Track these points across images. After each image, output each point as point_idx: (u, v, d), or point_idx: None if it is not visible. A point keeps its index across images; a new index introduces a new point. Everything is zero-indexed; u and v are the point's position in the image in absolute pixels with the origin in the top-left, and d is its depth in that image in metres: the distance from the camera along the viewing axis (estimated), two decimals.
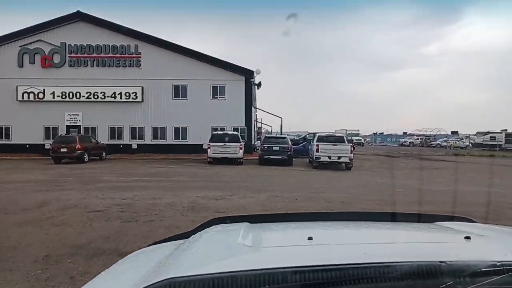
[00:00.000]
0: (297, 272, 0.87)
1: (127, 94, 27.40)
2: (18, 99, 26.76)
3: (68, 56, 27.15)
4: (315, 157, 19.02)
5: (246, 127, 27.52)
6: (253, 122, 28.73)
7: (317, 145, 18.97)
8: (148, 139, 27.63)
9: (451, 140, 55.05)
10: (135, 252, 1.63)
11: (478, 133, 58.77)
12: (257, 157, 24.65)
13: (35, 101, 26.88)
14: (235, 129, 25.69)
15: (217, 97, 27.85)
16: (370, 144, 72.06)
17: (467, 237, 1.21)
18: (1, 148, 26.13)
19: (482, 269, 0.87)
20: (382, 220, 1.70)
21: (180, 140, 27.80)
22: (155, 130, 27.75)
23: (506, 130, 49.51)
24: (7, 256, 5.01)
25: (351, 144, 20.11)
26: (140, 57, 27.59)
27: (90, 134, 25.66)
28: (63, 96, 26.93)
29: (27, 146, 26.32)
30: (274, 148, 20.38)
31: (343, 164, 19.31)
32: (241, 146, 20.39)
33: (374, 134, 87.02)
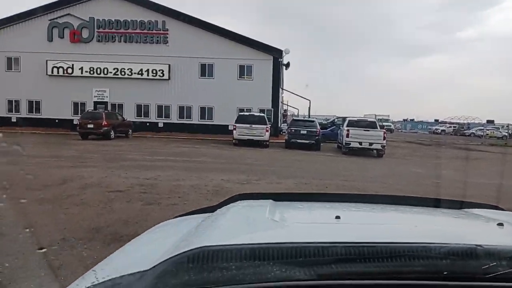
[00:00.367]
0: (328, 247, 0.84)
1: (154, 71, 27.14)
2: (48, 74, 27.00)
3: (97, 31, 27.04)
4: (345, 143, 18.21)
5: (272, 109, 26.83)
6: (280, 104, 27.94)
7: (348, 130, 18.11)
8: (174, 118, 27.44)
9: (487, 129, 52.34)
10: (162, 223, 1.61)
11: None
12: (283, 141, 24.08)
13: (64, 76, 27.06)
14: (262, 111, 25.07)
15: (244, 77, 27.20)
16: (400, 130, 69.95)
17: (500, 224, 1.19)
18: (32, 122, 26.58)
19: None
20: (407, 204, 1.65)
21: (206, 120, 27.47)
22: (181, 109, 27.49)
23: None
24: (21, 237, 4.69)
25: (384, 130, 19.14)
26: (167, 33, 27.15)
27: (117, 111, 25.67)
28: (91, 72, 26.97)
29: (57, 121, 26.67)
30: (302, 132, 19.67)
31: (375, 151, 18.43)
32: (267, 129, 19.79)
33: (404, 120, 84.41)
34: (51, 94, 26.95)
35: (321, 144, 20.44)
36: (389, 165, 15.16)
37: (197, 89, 27.30)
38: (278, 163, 13.59)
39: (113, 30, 27.04)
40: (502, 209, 1.64)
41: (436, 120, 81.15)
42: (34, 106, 27.43)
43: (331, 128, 28.13)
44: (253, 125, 19.56)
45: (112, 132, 20.99)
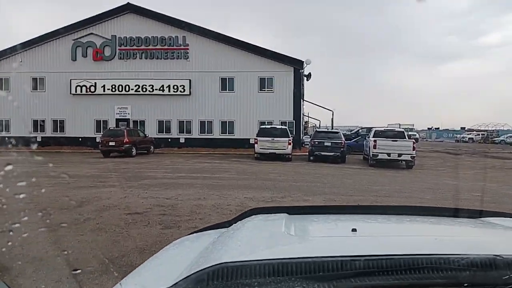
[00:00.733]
0: (347, 261, 0.84)
1: (175, 87, 27.15)
2: (72, 93, 27.43)
3: (118, 49, 27.37)
4: (372, 154, 17.41)
5: (294, 121, 26.27)
6: (301, 115, 27.37)
7: (375, 141, 17.33)
8: (195, 133, 27.26)
9: None
10: (179, 240, 1.61)
11: None
12: (306, 153, 23.45)
13: (87, 94, 27.42)
14: (283, 123, 24.57)
15: (264, 90, 26.83)
16: (425, 139, 67.95)
17: None
18: (56, 140, 26.94)
19: None
20: (424, 214, 1.63)
21: (227, 134, 27.16)
22: (202, 124, 27.31)
23: None
24: (29, 270, 4.29)
25: (413, 140, 18.25)
26: (188, 49, 27.19)
27: (138, 128, 25.73)
28: (113, 89, 27.22)
29: (80, 139, 26.95)
30: (326, 144, 19.00)
31: (404, 162, 17.55)
32: (290, 141, 19.23)
33: (429, 129, 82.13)
34: (75, 112, 27.31)
35: (346, 156, 19.69)
36: (421, 177, 14.28)
37: (218, 103, 27.11)
38: (303, 177, 12.97)
39: (134, 47, 27.32)
40: None
41: (463, 128, 78.66)
42: (59, 125, 27.84)
43: (355, 139, 27.30)
44: (275, 138, 19.06)
45: (133, 149, 20.90)
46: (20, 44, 27.87)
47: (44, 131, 27.78)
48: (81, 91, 27.40)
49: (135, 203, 8.09)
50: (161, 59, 27.30)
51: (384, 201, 8.94)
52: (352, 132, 33.47)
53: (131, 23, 27.45)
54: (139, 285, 1.08)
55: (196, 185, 10.69)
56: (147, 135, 23.94)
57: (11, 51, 27.81)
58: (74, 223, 6.40)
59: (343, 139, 19.68)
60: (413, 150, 17.18)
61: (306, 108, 36.26)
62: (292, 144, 19.66)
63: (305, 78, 27.16)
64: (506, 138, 53.83)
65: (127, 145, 20.40)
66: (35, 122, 27.83)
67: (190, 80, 27.11)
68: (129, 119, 27.39)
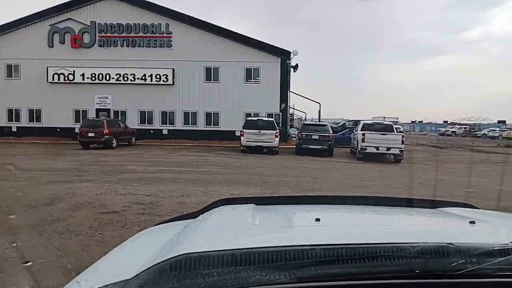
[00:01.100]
0: (311, 249, 0.87)
1: (158, 76, 26.20)
2: (49, 81, 26.15)
3: (98, 36, 26.19)
4: (361, 148, 17.07)
5: (281, 113, 25.75)
6: (288, 107, 26.87)
7: (363, 134, 16.98)
8: (179, 125, 26.45)
9: (503, 130, 50.72)
10: (144, 231, 1.56)
11: None
12: (293, 146, 23.01)
13: (65, 83, 26.21)
14: (269, 115, 24.05)
15: (250, 81, 26.17)
16: (408, 132, 68.53)
17: (472, 222, 1.23)
18: (32, 131, 25.77)
19: (488, 250, 0.89)
20: (386, 204, 1.69)
21: (212, 126, 26.46)
22: (186, 115, 26.52)
23: None
24: None
25: (402, 134, 17.98)
26: (171, 37, 26.23)
27: (119, 118, 24.77)
28: (93, 78, 26.09)
29: (58, 129, 25.80)
30: (314, 137, 18.56)
31: (392, 156, 17.29)
32: (277, 134, 18.72)
33: (413, 122, 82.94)
34: (52, 102, 26.08)
35: (333, 149, 19.32)
36: (411, 172, 14.00)
37: (202, 94, 26.33)
38: (291, 172, 12.49)
39: (115, 34, 26.19)
40: (476, 207, 1.67)
41: (445, 122, 79.77)
42: (35, 114, 26.57)
43: (342, 132, 26.99)
44: (262, 131, 18.51)
45: (114, 141, 20.06)
46: None
47: (19, 121, 26.52)
48: (59, 80, 26.15)
49: (112, 200, 7.45)
50: (143, 47, 26.27)
51: None
52: (338, 124, 33.18)
53: (112, 9, 26.26)
54: (97, 278, 1.03)
55: (179, 180, 10.08)
56: (128, 126, 23.05)
57: None
58: (41, 224, 5.74)
59: (331, 132, 19.28)
60: (402, 144, 16.92)
61: (292, 100, 35.79)
62: (279, 137, 19.16)
63: (292, 69, 26.58)
64: (488, 132, 54.60)
65: (107, 137, 19.53)
66: (10, 111, 26.51)
67: (173, 69, 26.20)
68: (109, 109, 26.34)
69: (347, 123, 30.72)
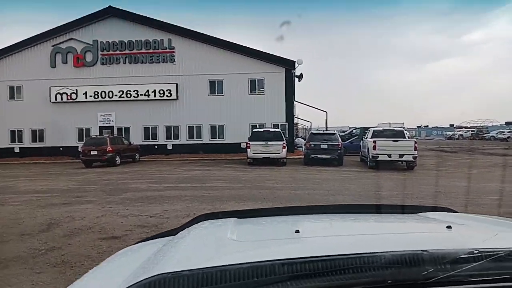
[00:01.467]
0: (284, 264, 0.86)
1: (161, 92, 25.89)
2: (52, 101, 25.96)
3: (100, 54, 26.02)
4: (372, 156, 16.44)
5: (287, 123, 25.23)
6: (294, 117, 26.36)
7: (374, 142, 16.37)
8: (183, 139, 26.02)
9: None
10: (123, 250, 1.54)
11: None
12: (300, 156, 22.45)
13: (68, 102, 25.99)
14: (275, 126, 23.56)
15: (255, 92, 25.76)
16: (415, 138, 67.63)
17: (449, 227, 1.22)
18: (36, 151, 25.51)
19: (461, 256, 0.88)
20: (367, 212, 1.69)
21: (217, 139, 25.99)
22: (190, 129, 26.09)
23: None
24: None
25: (415, 140, 17.35)
26: (173, 52, 25.99)
27: (123, 135, 24.43)
28: (96, 96, 25.84)
29: (61, 148, 25.49)
30: (322, 146, 17.99)
31: (404, 163, 16.64)
32: (284, 145, 18.18)
33: (418, 127, 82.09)
34: (55, 121, 25.80)
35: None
36: (427, 179, 13.33)
37: (207, 107, 25.93)
38: (303, 184, 11.89)
39: (117, 52, 26.01)
40: (455, 211, 1.66)
41: (451, 125, 78.92)
42: (38, 134, 26.30)
43: (349, 139, 26.38)
44: (269, 142, 17.99)
45: (117, 158, 19.64)
46: None
47: (22, 142, 26.24)
48: (62, 99, 25.94)
49: (112, 224, 6.91)
50: (145, 63, 26.04)
51: None
52: (345, 132, 32.54)
53: (113, 27, 26.14)
54: None
55: (185, 198, 9.53)
56: (132, 143, 22.64)
57: None
58: (33, 255, 5.20)
59: (340, 141, 18.69)
60: (415, 150, 16.27)
61: (296, 109, 35.34)
62: (287, 147, 18.60)
63: (296, 79, 26.15)
64: (497, 134, 53.62)
65: (110, 154, 19.11)
66: (12, 133, 26.26)
67: (177, 84, 25.90)
68: (113, 126, 26.01)
69: (354, 130, 30.13)
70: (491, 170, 15.79)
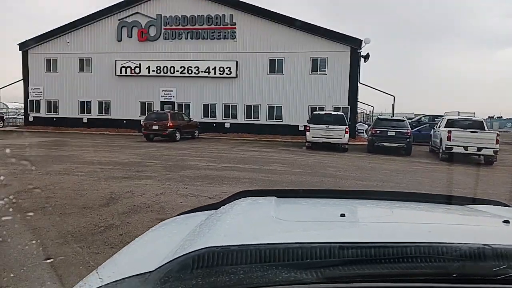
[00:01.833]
0: (335, 248, 0.83)
1: (221, 69, 25.67)
2: (117, 74, 26.82)
3: (164, 29, 26.24)
4: (445, 147, 14.93)
5: (349, 107, 23.92)
6: (357, 101, 24.93)
7: (449, 132, 14.82)
8: (241, 118, 25.74)
9: None
10: (165, 221, 1.55)
11: None
12: (361, 143, 21.25)
13: (131, 76, 26.71)
14: (336, 109, 22.40)
15: (316, 72, 24.61)
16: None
17: (506, 221, 1.14)
18: (102, 122, 26.69)
19: None
20: (412, 200, 1.60)
21: (274, 120, 25.39)
22: (248, 108, 25.72)
23: None
24: None
25: (497, 132, 15.49)
26: (235, 28, 25.50)
27: (183, 111, 24.67)
28: (158, 71, 26.25)
29: (125, 121, 26.41)
30: (389, 133, 16.70)
31: (482, 157, 14.95)
32: (347, 130, 17.14)
33: (490, 117, 75.28)
34: (120, 94, 26.77)
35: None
36: None
37: (266, 86, 25.34)
38: (369, 175, 10.98)
39: (180, 27, 26.07)
40: (507, 205, 1.57)
41: None
42: (104, 106, 27.46)
43: (417, 128, 24.49)
44: (330, 126, 17.04)
45: (177, 134, 19.80)
46: (68, 24, 27.53)
47: (90, 113, 27.58)
48: (126, 73, 26.71)
49: (172, 203, 6.64)
50: (207, 39, 25.86)
51: None
52: (412, 120, 30.35)
53: (177, 1, 26.10)
54: (118, 270, 1.00)
55: (244, 180, 9.11)
56: (191, 119, 22.78)
57: (59, 31, 27.63)
58: (92, 232, 5.02)
59: (410, 129, 17.24)
60: (497, 143, 14.50)
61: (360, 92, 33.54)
62: (349, 132, 17.56)
63: (362, 59, 24.55)
64: None
65: (171, 130, 19.31)
66: (82, 104, 27.66)
67: (236, 62, 25.50)
68: (174, 102, 26.39)
69: (423, 118, 27.95)
70: None
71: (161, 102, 26.40)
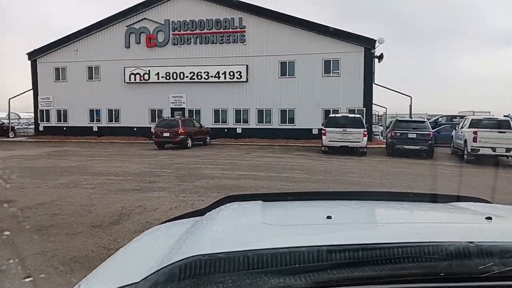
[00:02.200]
0: (322, 251, 0.83)
1: (231, 74, 25.17)
2: (126, 81, 26.51)
3: (172, 34, 25.88)
4: (471, 149, 14.13)
5: (364, 109, 23.19)
6: (372, 102, 24.16)
7: (475, 133, 14.03)
8: (253, 123, 25.18)
9: None
10: (150, 230, 1.50)
11: None
12: (379, 146, 20.55)
13: (141, 83, 26.38)
14: (351, 111, 21.68)
15: (329, 74, 23.97)
16: None
17: (488, 218, 1.17)
18: (112, 131, 26.37)
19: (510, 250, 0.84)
20: (397, 199, 1.62)
21: (287, 124, 24.78)
22: (260, 112, 25.15)
23: None
24: None
25: None
26: (244, 31, 25.02)
27: (194, 117, 24.21)
28: (167, 77, 25.86)
29: (135, 129, 26.04)
30: (410, 135, 15.95)
31: (511, 158, 14.13)
32: (365, 133, 16.43)
33: (506, 117, 73.49)
34: (129, 102, 26.42)
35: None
36: None
37: (277, 90, 24.76)
38: (395, 180, 10.27)
39: (188, 32, 25.67)
40: (489, 202, 1.58)
41: None
42: (114, 114, 27.15)
43: (436, 129, 23.61)
44: (347, 129, 16.35)
45: (189, 141, 19.32)
46: (75, 32, 27.36)
47: (100, 121, 27.28)
48: (135, 79, 26.38)
49: None
50: (216, 43, 25.41)
51: None
52: (429, 121, 29.43)
53: (185, 5, 25.77)
54: (102, 282, 1.00)
55: (263, 190, 8.49)
56: (202, 125, 22.28)
57: (67, 40, 27.46)
58: (101, 256, 4.44)
59: (431, 130, 16.46)
60: None
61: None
62: (367, 135, 16.84)
63: (376, 59, 23.84)
64: None
65: (182, 136, 18.82)
66: (91, 112, 27.39)
67: (247, 66, 24.99)
68: (184, 108, 25.95)
69: (440, 118, 27.04)
70: None
71: (171, 108, 25.98)
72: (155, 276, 0.82)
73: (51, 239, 5.18)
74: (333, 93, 23.72)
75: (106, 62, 26.73)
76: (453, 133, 18.06)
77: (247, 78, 25.06)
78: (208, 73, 25.46)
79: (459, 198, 1.61)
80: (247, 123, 25.27)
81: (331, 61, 23.73)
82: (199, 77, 25.57)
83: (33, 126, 30.04)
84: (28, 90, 28.52)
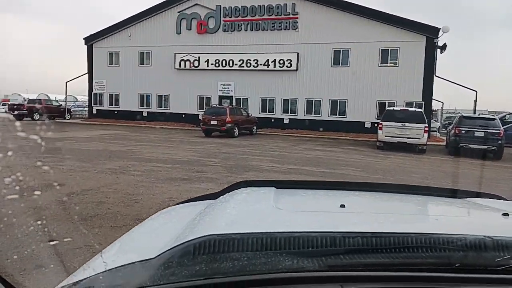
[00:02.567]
0: (334, 237, 0.84)
1: (281, 62, 24.40)
2: (176, 67, 26.60)
3: (223, 20, 25.49)
4: None
5: (423, 102, 21.55)
6: (432, 96, 22.42)
7: None
8: (301, 114, 24.35)
9: None
10: (165, 210, 1.53)
11: None
12: (438, 143, 19.04)
13: (190, 69, 26.34)
14: (408, 104, 20.21)
15: (386, 64, 22.48)
16: None
17: (505, 214, 1.14)
18: (161, 116, 26.67)
19: None
20: (411, 192, 1.58)
21: (337, 116, 23.68)
22: (309, 103, 24.24)
23: None
24: None
25: None
26: (297, 17, 24.06)
27: (241, 106, 23.81)
28: (217, 64, 25.60)
29: (183, 115, 26.15)
30: (477, 134, 14.46)
31: None
32: (426, 129, 15.12)
33: None
34: (178, 88, 26.52)
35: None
36: None
37: (328, 80, 23.68)
38: (464, 184, 9.15)
39: (239, 18, 25.14)
40: (505, 199, 1.57)
41: None
42: (163, 100, 27.42)
43: (504, 127, 21.51)
44: (407, 124, 15.13)
45: (236, 129, 18.94)
46: (129, 18, 27.78)
47: (149, 106, 27.70)
48: (185, 66, 26.38)
49: None
50: (267, 30, 24.68)
51: None
52: None
53: None
54: (121, 255, 1.03)
55: None
56: (250, 114, 21.82)
57: (121, 25, 27.96)
58: None
59: (502, 129, 14.84)
60: None
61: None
62: (428, 132, 15.51)
63: (438, 50, 22.01)
64: None
65: (229, 125, 18.47)
66: (141, 97, 27.85)
67: (298, 54, 24.08)
68: (232, 96, 25.62)
69: (507, 116, 24.67)
70: None
71: (219, 96, 25.76)
72: (170, 253, 0.83)
73: (95, 230, 4.87)
74: (389, 85, 22.28)
75: (157, 47, 26.95)
76: None
77: (297, 67, 24.18)
78: (257, 60, 24.87)
79: (475, 195, 1.60)
80: (295, 113, 24.47)
81: (389, 50, 22.22)
82: (248, 65, 25.05)
83: (87, 109, 31.18)
84: (84, 74, 29.53)
